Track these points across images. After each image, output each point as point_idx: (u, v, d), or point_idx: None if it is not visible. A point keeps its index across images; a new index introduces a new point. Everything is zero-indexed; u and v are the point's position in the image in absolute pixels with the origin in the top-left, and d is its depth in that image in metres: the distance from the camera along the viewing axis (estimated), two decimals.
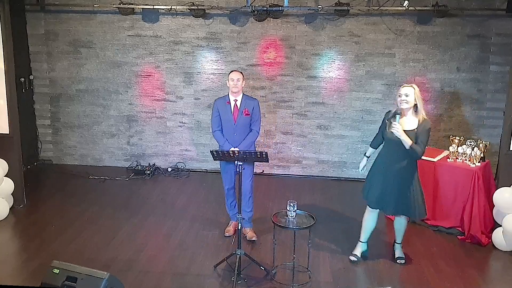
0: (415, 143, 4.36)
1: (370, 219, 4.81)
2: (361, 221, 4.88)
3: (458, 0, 6.56)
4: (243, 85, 5.11)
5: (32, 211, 5.91)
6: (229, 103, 5.10)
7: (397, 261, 4.82)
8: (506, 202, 5.03)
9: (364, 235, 4.88)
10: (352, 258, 4.85)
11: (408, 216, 4.74)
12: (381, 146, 4.75)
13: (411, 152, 4.38)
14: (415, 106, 4.43)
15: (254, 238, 5.27)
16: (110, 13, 7.12)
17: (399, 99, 4.46)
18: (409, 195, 4.53)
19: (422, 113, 4.42)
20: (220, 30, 7.05)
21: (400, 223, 4.81)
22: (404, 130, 4.38)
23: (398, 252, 4.88)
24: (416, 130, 4.39)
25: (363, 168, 4.89)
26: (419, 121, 4.40)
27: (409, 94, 4.39)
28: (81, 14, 7.18)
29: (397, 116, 4.40)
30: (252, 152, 4.56)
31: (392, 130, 4.39)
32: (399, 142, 4.39)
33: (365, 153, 4.90)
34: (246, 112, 5.08)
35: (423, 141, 4.37)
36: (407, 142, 4.34)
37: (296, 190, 6.72)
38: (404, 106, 4.42)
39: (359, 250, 4.89)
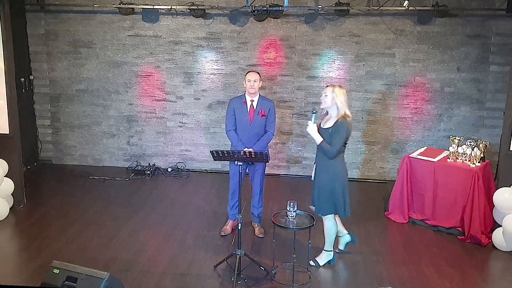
0: (330, 141, 4.41)
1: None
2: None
3: (458, 0, 6.57)
4: (259, 86, 5.12)
5: (32, 211, 5.91)
6: (246, 103, 5.11)
7: (310, 261, 4.71)
8: (506, 202, 5.03)
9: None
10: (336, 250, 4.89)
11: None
12: None
13: (321, 150, 4.49)
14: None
15: (261, 235, 5.30)
16: (110, 13, 7.13)
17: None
18: (318, 189, 4.57)
19: (342, 113, 4.41)
20: (220, 30, 7.05)
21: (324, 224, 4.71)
22: (323, 128, 4.49)
23: (319, 257, 4.76)
24: (330, 129, 4.44)
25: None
26: (337, 120, 4.43)
27: (327, 95, 4.46)
28: (81, 14, 7.18)
29: (313, 115, 4.53)
30: (252, 152, 4.56)
31: (306, 129, 4.54)
32: None
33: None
34: (263, 113, 5.09)
35: (334, 140, 4.40)
36: (316, 140, 4.49)
37: (296, 190, 6.72)
38: (322, 105, 4.54)
39: (341, 243, 4.93)
